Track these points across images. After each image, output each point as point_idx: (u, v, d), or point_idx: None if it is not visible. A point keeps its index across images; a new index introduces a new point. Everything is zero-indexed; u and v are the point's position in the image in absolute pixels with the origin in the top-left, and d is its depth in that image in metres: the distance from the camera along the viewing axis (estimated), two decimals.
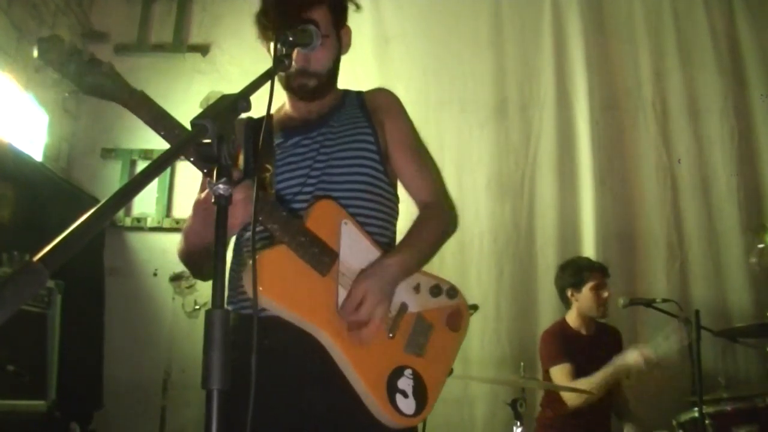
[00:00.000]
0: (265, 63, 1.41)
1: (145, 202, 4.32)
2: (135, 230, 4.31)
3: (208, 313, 1.05)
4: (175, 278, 4.17)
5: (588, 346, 3.53)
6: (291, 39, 1.47)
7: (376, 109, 1.83)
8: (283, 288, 1.52)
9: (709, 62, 4.40)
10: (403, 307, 1.67)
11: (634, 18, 4.50)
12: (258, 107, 1.28)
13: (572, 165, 4.27)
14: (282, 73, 1.72)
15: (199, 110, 1.11)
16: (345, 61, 1.86)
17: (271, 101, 1.30)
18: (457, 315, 1.76)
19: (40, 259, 0.71)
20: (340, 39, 1.81)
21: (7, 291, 0.68)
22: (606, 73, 4.42)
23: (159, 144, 1.27)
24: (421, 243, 1.74)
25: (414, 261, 1.70)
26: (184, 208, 4.32)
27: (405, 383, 1.60)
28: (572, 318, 3.63)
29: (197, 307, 4.08)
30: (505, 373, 3.75)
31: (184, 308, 4.12)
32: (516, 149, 4.31)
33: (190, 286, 4.16)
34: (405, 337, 1.65)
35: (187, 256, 1.66)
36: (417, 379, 1.62)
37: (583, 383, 3.24)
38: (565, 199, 4.21)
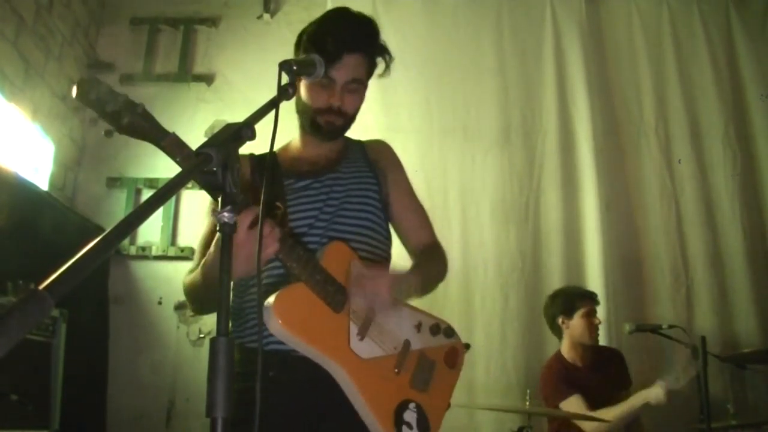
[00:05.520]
0: (270, 92, 1.42)
1: (150, 231, 4.33)
2: (140, 259, 4.32)
3: (212, 341, 1.05)
4: (180, 306, 4.18)
5: (583, 377, 3.50)
6: (295, 68, 1.48)
7: (378, 160, 1.96)
8: (301, 323, 1.58)
9: (709, 88, 4.43)
10: (407, 344, 1.76)
11: (634, 44, 4.54)
12: (262, 136, 1.29)
13: (576, 191, 4.27)
14: (307, 108, 1.81)
15: (203, 139, 1.12)
16: None
17: (276, 130, 1.31)
18: (454, 353, 1.88)
19: (45, 287, 0.71)
20: (365, 90, 1.89)
21: (13, 319, 0.68)
22: (608, 99, 4.45)
23: (164, 173, 1.29)
24: (432, 272, 1.89)
25: (426, 285, 1.82)
26: (188, 236, 4.32)
27: (410, 416, 1.69)
28: (566, 349, 3.60)
29: (201, 335, 4.07)
30: (511, 401, 3.72)
31: (189, 337, 4.11)
32: (520, 176, 4.31)
33: (195, 315, 4.16)
34: (410, 372, 1.75)
35: (200, 289, 1.65)
36: (420, 412, 1.72)
37: (604, 414, 3.19)
38: (569, 225, 4.20)
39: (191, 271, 1.70)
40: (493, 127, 4.38)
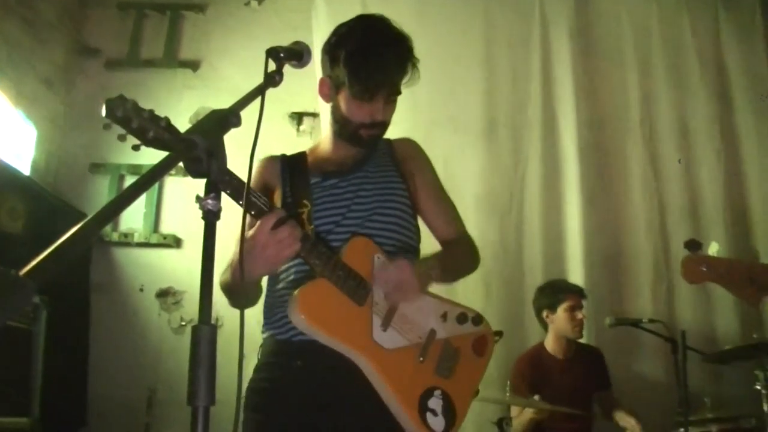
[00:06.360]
0: (256, 79, 1.41)
1: (133, 217, 4.30)
2: (122, 245, 4.29)
3: (195, 329, 1.05)
4: (162, 294, 4.16)
5: (562, 371, 3.55)
6: (282, 56, 1.47)
7: (405, 159, 2.00)
8: (324, 317, 1.65)
9: (696, 86, 4.45)
10: (432, 334, 1.80)
11: (622, 41, 4.55)
12: (247, 123, 1.28)
13: (560, 185, 4.28)
14: (348, 121, 1.84)
15: (189, 125, 1.11)
16: None
17: (261, 117, 1.30)
18: (482, 341, 1.92)
19: (26, 273, 0.71)
20: None
21: None
22: (594, 95, 4.46)
23: (147, 159, 1.28)
24: (456, 259, 1.96)
25: (447, 272, 1.88)
26: (171, 223, 4.30)
27: (435, 403, 1.74)
28: (550, 341, 3.66)
29: (183, 323, 4.06)
30: (492, 392, 3.74)
31: (170, 324, 4.10)
32: (505, 169, 4.32)
33: (177, 302, 4.15)
34: (434, 360, 1.79)
35: (232, 286, 1.72)
36: (446, 399, 1.77)
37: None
38: (552, 219, 4.22)
39: (225, 271, 1.76)
40: (479, 120, 4.39)
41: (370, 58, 1.77)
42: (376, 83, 1.78)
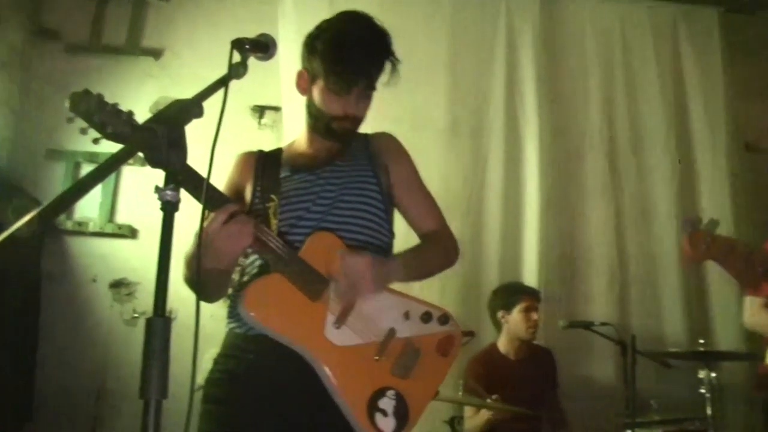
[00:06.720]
0: (220, 70, 1.40)
1: (88, 206, 4.21)
2: (76, 234, 4.19)
3: (149, 321, 1.04)
4: (115, 285, 4.09)
5: (515, 371, 3.60)
6: (247, 47, 1.46)
7: (381, 152, 1.98)
8: (273, 313, 1.65)
9: (654, 96, 4.55)
10: (391, 332, 1.77)
11: (585, 48, 4.62)
12: (209, 114, 1.27)
13: (519, 188, 4.33)
14: (322, 113, 1.84)
15: (149, 115, 1.10)
16: None
17: (224, 109, 1.29)
18: (448, 341, 1.87)
19: None
20: None
21: None
22: (556, 99, 4.52)
23: (105, 148, 1.26)
24: (425, 256, 1.94)
25: (412, 269, 1.87)
26: (127, 213, 4.23)
27: (386, 403, 1.72)
28: (503, 342, 3.71)
29: (136, 315, 4.00)
30: (444, 391, 3.77)
31: (123, 316, 4.03)
32: (464, 169, 4.35)
33: (130, 294, 4.08)
34: (392, 360, 1.76)
35: (189, 281, 1.73)
36: (399, 399, 1.74)
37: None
38: (510, 221, 4.27)
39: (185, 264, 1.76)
40: (441, 120, 4.41)
41: (346, 52, 1.79)
42: (352, 77, 1.79)
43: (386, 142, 2.04)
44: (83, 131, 1.20)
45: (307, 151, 1.94)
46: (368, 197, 1.88)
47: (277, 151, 2.00)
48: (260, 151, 1.98)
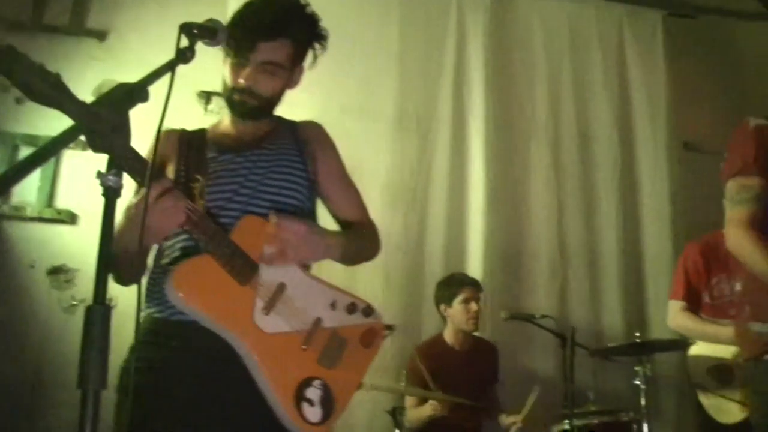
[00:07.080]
0: (166, 54, 1.37)
1: (26, 191, 4.08)
2: (13, 219, 4.06)
3: (88, 309, 1.01)
4: (54, 271, 3.98)
5: (460, 362, 3.65)
6: (195, 32, 1.44)
7: (309, 141, 1.97)
8: (203, 295, 1.60)
9: (599, 94, 4.68)
10: (318, 322, 1.76)
11: (534, 45, 4.70)
12: (154, 99, 1.25)
13: (464, 180, 4.39)
14: (226, 86, 1.84)
15: (92, 98, 1.07)
16: None
17: (170, 94, 1.27)
18: (371, 333, 1.89)
19: None
20: (292, 74, 1.91)
21: None
22: (503, 94, 4.58)
23: (45, 130, 1.23)
24: (359, 242, 1.95)
25: (348, 250, 1.86)
26: (67, 199, 4.11)
27: (313, 393, 1.70)
28: (448, 334, 3.76)
29: (75, 302, 3.90)
30: (386, 381, 3.80)
31: (61, 303, 3.93)
32: (410, 161, 4.38)
33: (69, 281, 3.98)
34: (318, 350, 1.75)
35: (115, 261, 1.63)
36: (326, 389, 1.73)
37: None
38: (455, 213, 4.31)
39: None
40: (389, 111, 4.42)
41: (241, 19, 1.79)
42: (245, 43, 1.77)
43: (314, 131, 2.03)
44: (20, 101, 1.15)
45: (231, 133, 1.92)
46: (294, 183, 1.87)
47: (201, 131, 1.96)
48: (183, 130, 1.93)
